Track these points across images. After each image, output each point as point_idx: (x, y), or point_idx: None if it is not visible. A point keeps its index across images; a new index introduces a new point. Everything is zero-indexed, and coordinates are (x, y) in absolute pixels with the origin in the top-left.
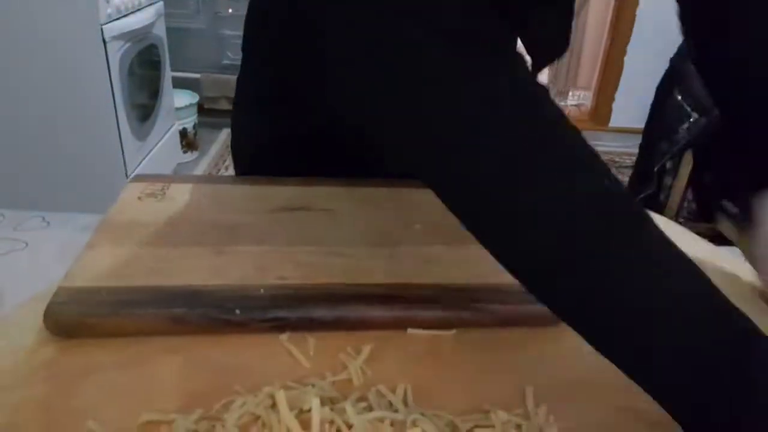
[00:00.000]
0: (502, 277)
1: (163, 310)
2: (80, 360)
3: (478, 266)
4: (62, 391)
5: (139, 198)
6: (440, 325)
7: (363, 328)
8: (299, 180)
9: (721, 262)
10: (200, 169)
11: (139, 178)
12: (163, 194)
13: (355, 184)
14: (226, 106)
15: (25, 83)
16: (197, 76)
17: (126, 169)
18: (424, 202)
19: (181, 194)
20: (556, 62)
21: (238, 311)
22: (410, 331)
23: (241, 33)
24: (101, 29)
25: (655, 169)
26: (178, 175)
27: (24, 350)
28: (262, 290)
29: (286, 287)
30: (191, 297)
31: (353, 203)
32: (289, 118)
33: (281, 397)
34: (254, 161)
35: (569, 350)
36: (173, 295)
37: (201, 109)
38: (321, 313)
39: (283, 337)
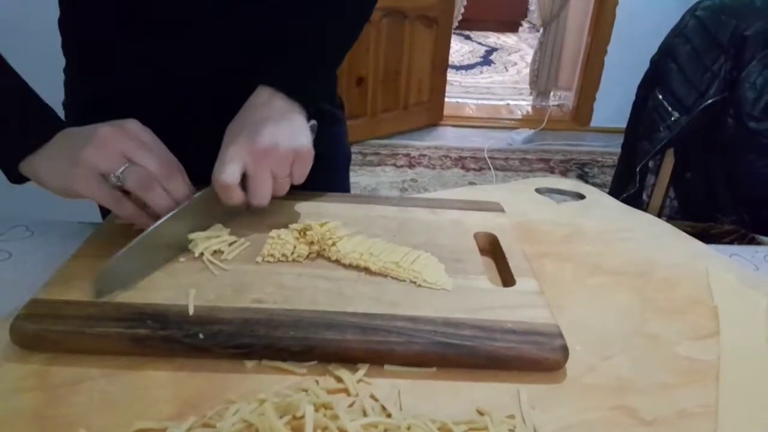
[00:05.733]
0: (491, 313)
1: (125, 330)
2: (71, 369)
3: (470, 299)
4: (53, 400)
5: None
6: (417, 362)
7: (335, 360)
8: (301, 195)
9: (710, 259)
10: None
11: None
12: None
13: (363, 201)
14: None
15: None
16: None
17: None
18: (426, 222)
19: None
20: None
21: (201, 335)
22: (387, 367)
23: None
24: None
25: (638, 168)
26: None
27: (13, 360)
28: (230, 314)
29: (259, 311)
30: (158, 317)
31: (354, 223)
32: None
33: (269, 407)
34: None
35: None
36: (140, 313)
37: None
38: (288, 342)
39: (249, 364)
